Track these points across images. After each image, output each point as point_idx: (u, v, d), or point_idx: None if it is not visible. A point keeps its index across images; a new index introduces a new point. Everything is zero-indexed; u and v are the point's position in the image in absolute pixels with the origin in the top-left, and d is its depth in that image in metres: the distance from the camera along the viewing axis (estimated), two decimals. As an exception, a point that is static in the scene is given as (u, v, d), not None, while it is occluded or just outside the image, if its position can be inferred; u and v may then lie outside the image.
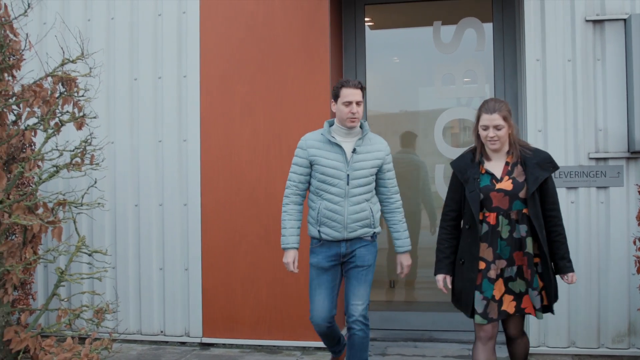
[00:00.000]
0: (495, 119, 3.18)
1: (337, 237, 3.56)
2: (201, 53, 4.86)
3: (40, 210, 3.89)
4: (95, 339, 3.71)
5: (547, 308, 3.26)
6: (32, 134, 3.92)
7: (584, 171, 4.37)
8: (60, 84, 3.92)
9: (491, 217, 3.19)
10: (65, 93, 3.91)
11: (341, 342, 3.85)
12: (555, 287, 3.24)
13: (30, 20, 4.74)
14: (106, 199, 4.72)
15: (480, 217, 3.20)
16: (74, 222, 3.98)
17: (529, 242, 3.17)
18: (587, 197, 4.37)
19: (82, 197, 4.05)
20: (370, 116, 5.18)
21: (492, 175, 3.23)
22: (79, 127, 3.94)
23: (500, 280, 3.18)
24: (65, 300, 4.10)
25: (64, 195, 4.09)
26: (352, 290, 3.57)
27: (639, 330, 4.31)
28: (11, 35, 3.88)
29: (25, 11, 3.93)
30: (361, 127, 3.62)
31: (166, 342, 4.92)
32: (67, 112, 3.98)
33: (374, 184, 3.64)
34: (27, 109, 3.85)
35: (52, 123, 3.93)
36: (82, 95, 3.98)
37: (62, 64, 3.95)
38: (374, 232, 3.63)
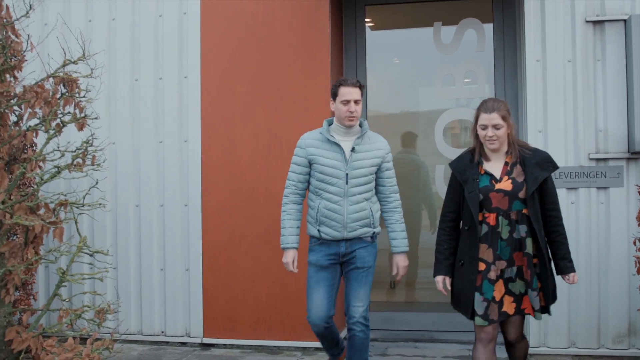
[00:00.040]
0: (494, 118, 3.17)
1: (337, 237, 3.55)
2: (202, 53, 4.87)
3: (41, 211, 3.90)
4: (97, 339, 3.72)
5: (545, 309, 3.24)
6: (34, 134, 3.93)
7: (584, 172, 4.37)
8: (61, 85, 3.93)
9: (491, 218, 3.17)
10: (67, 94, 3.92)
11: (339, 345, 3.78)
12: (554, 288, 3.23)
13: (32, 22, 4.76)
14: (107, 199, 4.72)
15: (480, 218, 3.19)
16: (76, 222, 3.99)
17: (528, 242, 3.16)
18: (587, 197, 4.37)
19: (84, 197, 4.05)
20: (370, 116, 5.18)
21: (492, 176, 3.21)
22: (80, 127, 3.96)
23: (501, 282, 3.17)
24: (67, 300, 4.10)
25: (65, 195, 4.10)
26: (352, 291, 3.56)
27: (639, 330, 4.31)
28: (13, 37, 3.89)
29: (27, 12, 3.94)
30: (360, 125, 3.61)
31: (167, 343, 4.92)
32: (69, 112, 4.00)
33: (373, 184, 3.62)
34: (29, 109, 3.85)
35: (53, 124, 3.94)
36: (84, 96, 4.00)
37: (64, 65, 3.97)
38: (374, 232, 3.62)
